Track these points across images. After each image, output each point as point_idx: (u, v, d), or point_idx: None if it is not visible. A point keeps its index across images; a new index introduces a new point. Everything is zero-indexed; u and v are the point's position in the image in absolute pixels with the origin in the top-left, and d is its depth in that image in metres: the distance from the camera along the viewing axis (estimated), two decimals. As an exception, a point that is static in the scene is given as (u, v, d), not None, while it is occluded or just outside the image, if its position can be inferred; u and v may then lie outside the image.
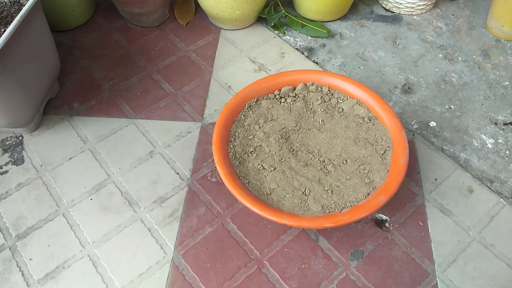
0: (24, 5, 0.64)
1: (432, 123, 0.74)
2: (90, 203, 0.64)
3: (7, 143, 0.72)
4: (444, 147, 0.70)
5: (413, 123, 0.74)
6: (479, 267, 0.58)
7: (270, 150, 0.62)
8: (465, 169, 0.67)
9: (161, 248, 0.59)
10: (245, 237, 0.60)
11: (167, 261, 0.58)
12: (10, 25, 0.57)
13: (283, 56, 0.85)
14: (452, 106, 0.76)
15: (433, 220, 0.62)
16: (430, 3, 0.93)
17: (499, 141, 0.71)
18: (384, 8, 0.96)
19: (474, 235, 0.60)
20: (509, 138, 0.71)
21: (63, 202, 0.64)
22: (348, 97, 0.67)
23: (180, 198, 0.64)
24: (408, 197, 0.64)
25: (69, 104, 0.77)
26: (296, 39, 0.89)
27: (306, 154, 0.62)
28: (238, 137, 0.63)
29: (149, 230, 0.61)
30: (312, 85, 0.68)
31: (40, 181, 0.67)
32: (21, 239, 0.61)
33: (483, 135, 0.72)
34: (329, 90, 0.68)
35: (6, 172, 0.68)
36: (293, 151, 0.63)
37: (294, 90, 0.69)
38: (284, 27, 0.90)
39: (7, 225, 0.62)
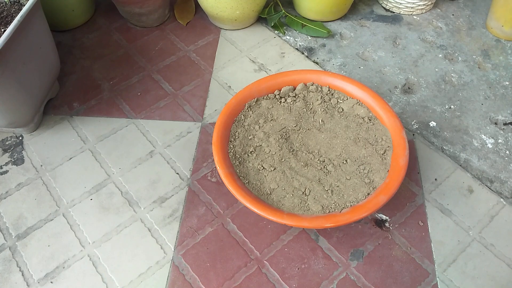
0: (24, 5, 0.64)
1: (432, 123, 0.74)
2: (90, 203, 0.64)
3: (7, 143, 0.72)
4: (444, 147, 0.70)
5: (413, 123, 0.74)
6: (479, 267, 0.58)
7: (270, 150, 0.62)
8: (465, 169, 0.67)
9: (161, 248, 0.59)
10: (245, 237, 0.60)
11: (167, 261, 0.58)
12: (10, 25, 0.57)
13: (283, 56, 0.85)
14: (452, 106, 0.76)
15: (433, 220, 0.62)
16: (430, 3, 0.93)
17: (499, 141, 0.71)
18: (384, 8, 0.96)
19: (474, 235, 0.60)
20: (509, 138, 0.71)
21: (63, 202, 0.64)
22: (348, 97, 0.67)
23: (180, 198, 0.64)
24: (408, 197, 0.64)
25: (69, 104, 0.77)
26: (296, 39, 0.89)
27: (306, 154, 0.62)
28: (238, 137, 0.63)
29: (149, 230, 0.61)
30: (312, 85, 0.68)
31: (40, 181, 0.67)
32: (21, 239, 0.61)
33: (483, 135, 0.72)
34: (329, 90, 0.68)
35: (6, 172, 0.68)
36: (293, 151, 0.63)
37: (294, 90, 0.69)
38: (284, 27, 0.90)
39: (7, 225, 0.62)
